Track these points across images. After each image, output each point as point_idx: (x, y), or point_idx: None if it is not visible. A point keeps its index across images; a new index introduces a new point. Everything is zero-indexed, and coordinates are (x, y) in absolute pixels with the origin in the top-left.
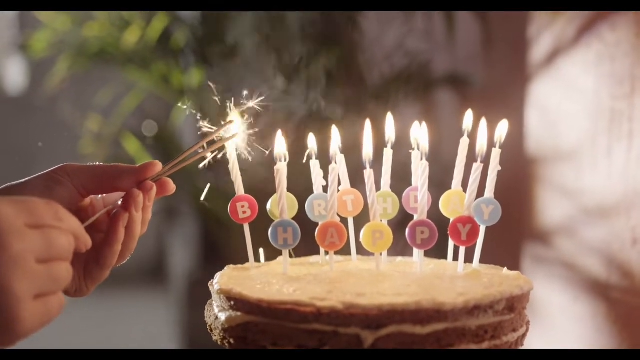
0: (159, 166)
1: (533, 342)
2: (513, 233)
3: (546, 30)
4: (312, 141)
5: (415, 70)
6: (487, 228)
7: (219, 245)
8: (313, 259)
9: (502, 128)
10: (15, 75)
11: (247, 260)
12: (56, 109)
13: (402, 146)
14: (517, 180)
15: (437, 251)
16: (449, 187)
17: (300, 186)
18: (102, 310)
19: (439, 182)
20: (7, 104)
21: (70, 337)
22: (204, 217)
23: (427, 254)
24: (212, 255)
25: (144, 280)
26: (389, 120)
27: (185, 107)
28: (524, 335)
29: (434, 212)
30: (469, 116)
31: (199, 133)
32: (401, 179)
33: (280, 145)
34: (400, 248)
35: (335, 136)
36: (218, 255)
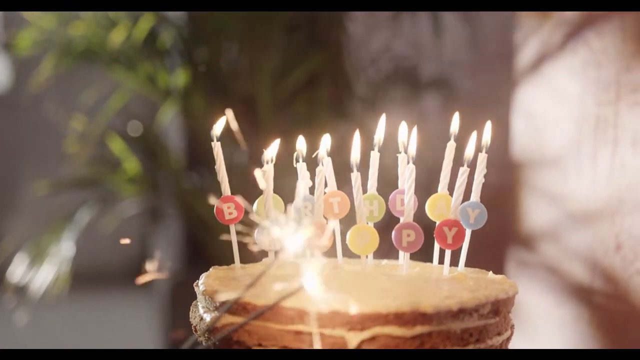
0: None
1: (516, 346)
2: (498, 238)
3: (533, 35)
4: (300, 143)
5: (402, 75)
6: (472, 232)
7: (203, 247)
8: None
9: (487, 131)
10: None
11: (231, 261)
12: (41, 108)
13: (388, 149)
14: (502, 185)
15: (422, 255)
16: (434, 191)
17: (287, 188)
18: (84, 311)
19: (424, 186)
20: None
21: (53, 337)
22: (188, 218)
23: (412, 257)
24: (195, 256)
25: (127, 281)
26: (381, 123)
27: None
28: (508, 339)
29: (419, 215)
30: (456, 119)
31: None
32: (386, 182)
33: (271, 148)
34: (385, 251)
35: (324, 140)
36: (202, 257)
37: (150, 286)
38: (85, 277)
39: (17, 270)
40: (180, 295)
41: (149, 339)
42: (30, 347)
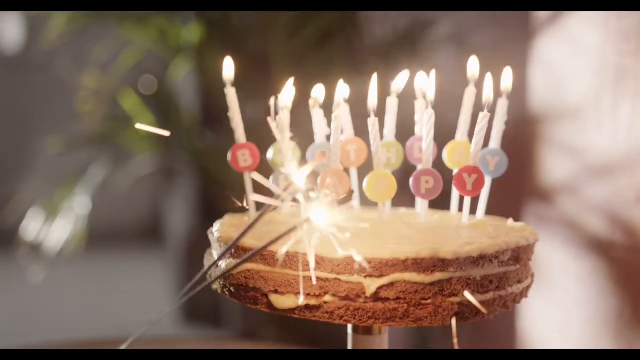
0: None
1: (534, 301)
2: (515, 191)
3: None
4: (317, 91)
5: (417, 27)
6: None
7: (217, 205)
8: None
9: (507, 77)
10: (11, 31)
11: None
12: (53, 67)
13: (402, 102)
14: (520, 138)
15: (439, 205)
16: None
17: (302, 135)
18: (99, 270)
19: (436, 139)
20: (2, 61)
21: (67, 298)
22: (201, 176)
23: (430, 206)
24: (209, 215)
25: (141, 240)
26: (403, 75)
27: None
28: (528, 287)
29: (435, 165)
30: (474, 63)
31: None
32: (400, 134)
33: (286, 94)
34: (400, 201)
35: (340, 86)
36: (216, 215)
37: (164, 244)
38: (100, 235)
39: (32, 227)
40: (194, 252)
41: (163, 296)
42: (45, 304)
